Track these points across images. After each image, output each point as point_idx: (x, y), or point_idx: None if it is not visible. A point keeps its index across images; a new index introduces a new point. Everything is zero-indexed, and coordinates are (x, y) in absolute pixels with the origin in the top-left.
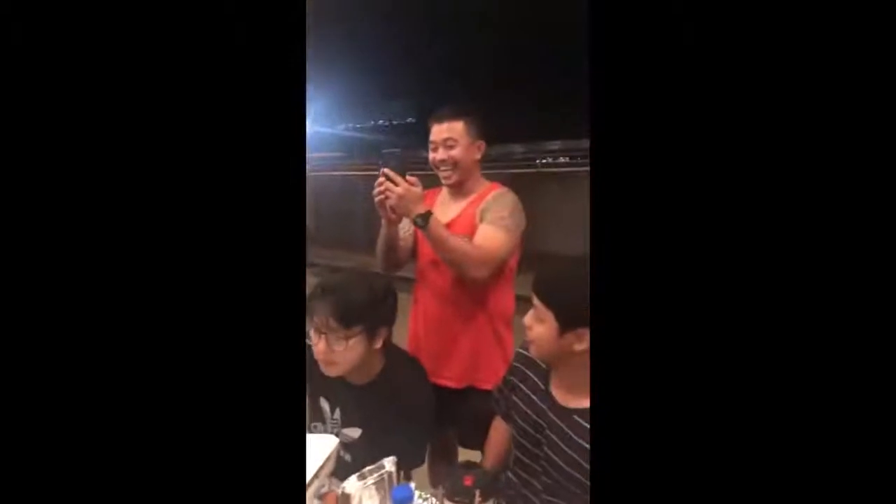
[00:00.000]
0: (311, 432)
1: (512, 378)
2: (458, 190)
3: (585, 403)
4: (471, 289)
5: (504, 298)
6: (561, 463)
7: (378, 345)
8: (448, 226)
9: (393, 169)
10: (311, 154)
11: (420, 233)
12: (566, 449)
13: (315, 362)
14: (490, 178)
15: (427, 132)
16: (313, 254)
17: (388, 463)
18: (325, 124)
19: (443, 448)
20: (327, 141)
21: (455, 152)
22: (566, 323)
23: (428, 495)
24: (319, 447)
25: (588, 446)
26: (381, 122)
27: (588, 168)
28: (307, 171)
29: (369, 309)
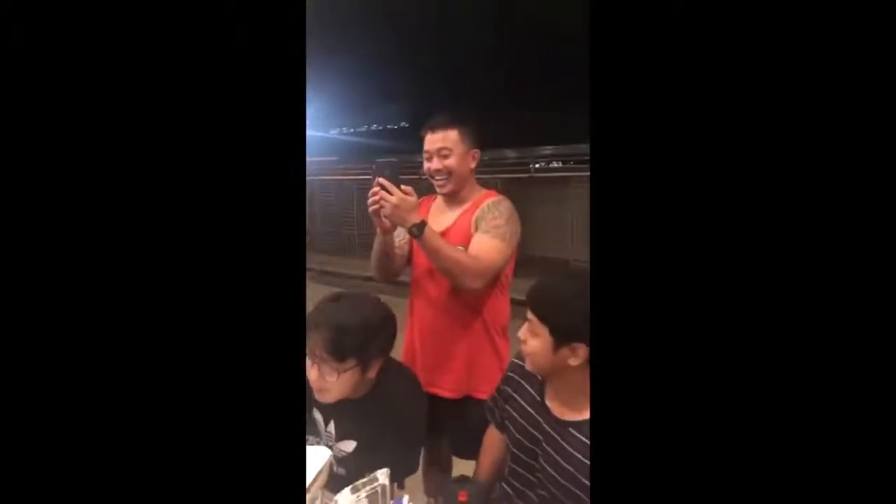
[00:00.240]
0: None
1: (506, 388)
2: (453, 198)
3: (581, 416)
4: (466, 298)
5: (500, 307)
6: (557, 476)
7: (372, 374)
8: (443, 234)
9: (387, 178)
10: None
11: (415, 241)
12: (562, 462)
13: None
14: (483, 182)
15: (419, 136)
16: (307, 259)
17: (382, 476)
18: (318, 128)
19: (438, 458)
20: (321, 145)
21: (450, 161)
22: (561, 338)
23: None
24: (312, 459)
25: (585, 460)
26: (374, 126)
27: (579, 173)
28: None
29: (363, 343)
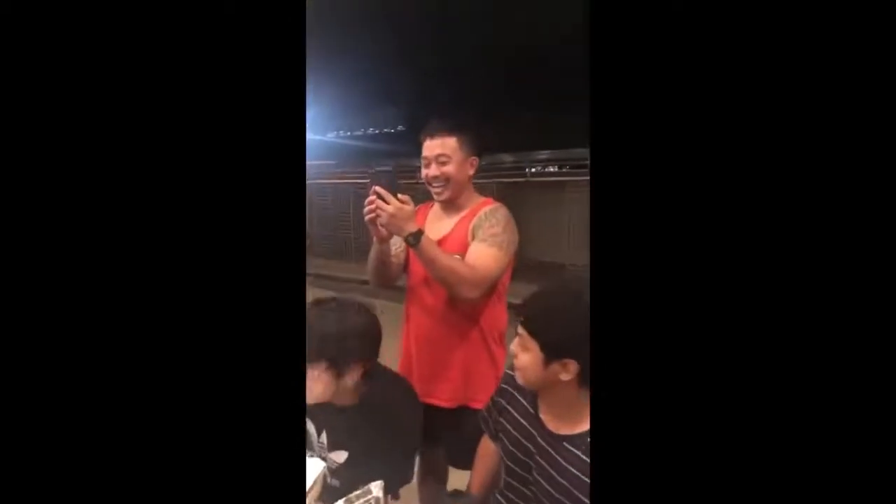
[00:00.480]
0: None
1: (500, 400)
2: (451, 205)
3: (575, 430)
4: (463, 306)
5: (497, 315)
6: (551, 490)
7: (351, 381)
8: (440, 243)
9: (384, 186)
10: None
11: (412, 250)
12: (557, 476)
13: None
14: (479, 186)
15: (416, 140)
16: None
17: (376, 488)
18: (315, 132)
19: (434, 468)
20: (317, 149)
21: (448, 168)
22: (552, 353)
23: None
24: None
25: (579, 474)
26: (371, 130)
27: (575, 178)
28: None
29: (333, 346)
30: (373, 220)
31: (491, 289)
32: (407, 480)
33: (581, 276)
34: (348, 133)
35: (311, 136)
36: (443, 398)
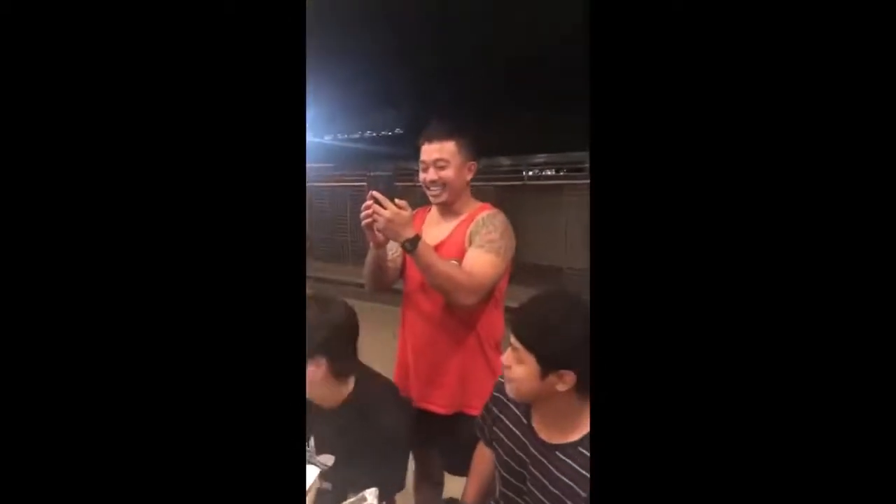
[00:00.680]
0: None
1: (493, 408)
2: (448, 210)
3: (568, 439)
4: (460, 312)
5: (493, 321)
6: (545, 500)
7: (318, 375)
8: (437, 248)
9: (381, 191)
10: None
11: (408, 256)
12: (550, 486)
13: None
14: (476, 189)
15: (415, 143)
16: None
17: (370, 495)
18: (313, 134)
19: (429, 474)
20: (315, 151)
21: (446, 173)
22: (548, 365)
23: None
24: None
25: (572, 484)
26: (369, 132)
27: (573, 181)
28: None
29: (312, 340)
30: (369, 225)
31: (488, 295)
32: (400, 487)
33: (578, 279)
34: (345, 135)
35: (309, 139)
36: (439, 404)
